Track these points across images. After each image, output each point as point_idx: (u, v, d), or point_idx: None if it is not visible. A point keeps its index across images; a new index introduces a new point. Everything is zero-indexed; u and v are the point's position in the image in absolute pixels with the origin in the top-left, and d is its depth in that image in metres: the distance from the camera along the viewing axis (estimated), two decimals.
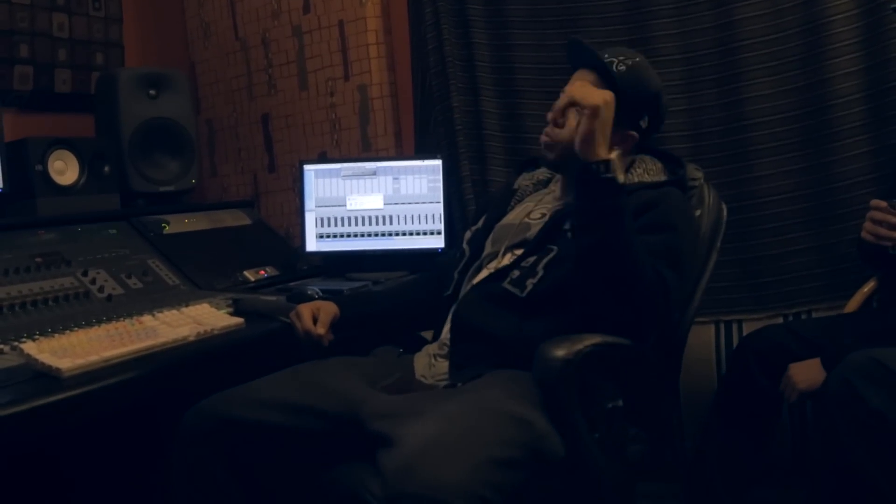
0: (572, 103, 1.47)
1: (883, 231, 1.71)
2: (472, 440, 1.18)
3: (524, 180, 1.84)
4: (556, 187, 1.77)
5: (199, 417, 1.46)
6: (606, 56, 1.65)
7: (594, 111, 1.42)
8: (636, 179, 1.67)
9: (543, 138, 1.65)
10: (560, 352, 1.33)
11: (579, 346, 1.35)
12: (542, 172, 1.85)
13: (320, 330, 1.66)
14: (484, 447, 1.18)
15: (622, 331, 1.44)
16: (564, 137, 1.57)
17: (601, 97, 1.43)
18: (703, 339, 2.31)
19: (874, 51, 2.11)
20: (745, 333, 2.20)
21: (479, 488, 1.13)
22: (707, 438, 1.99)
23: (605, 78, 1.63)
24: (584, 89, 1.47)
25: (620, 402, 1.43)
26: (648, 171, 1.69)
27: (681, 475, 2.12)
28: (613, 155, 1.42)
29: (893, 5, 1.93)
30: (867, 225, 1.75)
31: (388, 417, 1.31)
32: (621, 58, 1.65)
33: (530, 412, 1.30)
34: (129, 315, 1.80)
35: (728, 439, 1.93)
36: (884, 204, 1.72)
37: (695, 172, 1.77)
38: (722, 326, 2.31)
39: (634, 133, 1.66)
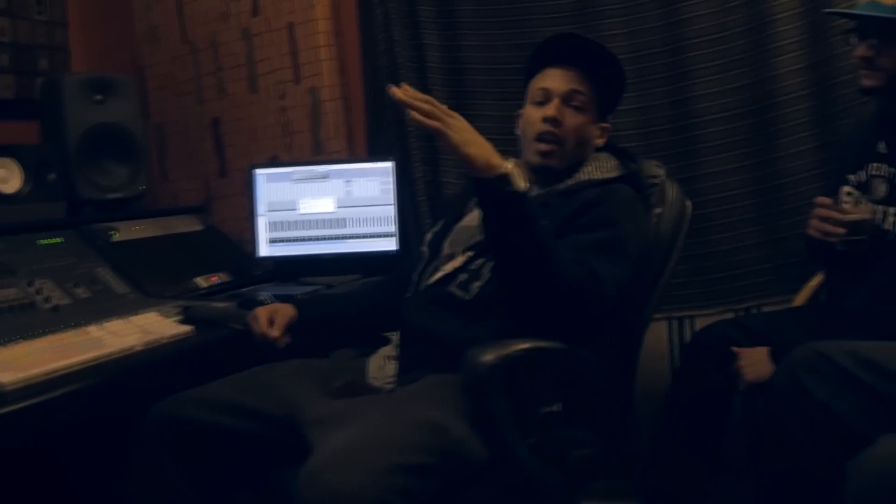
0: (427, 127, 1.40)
1: (828, 227, 1.73)
2: (380, 447, 1.18)
3: None
4: None
5: (156, 418, 1.48)
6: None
7: (466, 141, 1.36)
8: (585, 177, 1.67)
9: (547, 147, 1.65)
10: (487, 357, 1.31)
11: (507, 351, 1.33)
12: None
13: (276, 333, 1.65)
14: (391, 453, 1.17)
15: (559, 334, 1.43)
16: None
17: (455, 124, 1.38)
18: (656, 335, 2.33)
19: (817, 49, 2.14)
20: (697, 329, 2.22)
21: (384, 494, 1.13)
22: (661, 434, 2.00)
23: (596, 76, 1.67)
24: (450, 129, 1.38)
25: (557, 407, 1.41)
26: (600, 167, 1.70)
27: (635, 471, 2.13)
28: (510, 165, 1.39)
29: (825, 10, 1.97)
30: (813, 222, 1.78)
31: (319, 424, 1.32)
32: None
33: (447, 418, 1.28)
34: (76, 326, 1.77)
35: (681, 434, 1.93)
36: (828, 201, 1.75)
37: (655, 170, 1.77)
38: (675, 323, 2.34)
39: (609, 124, 1.74)
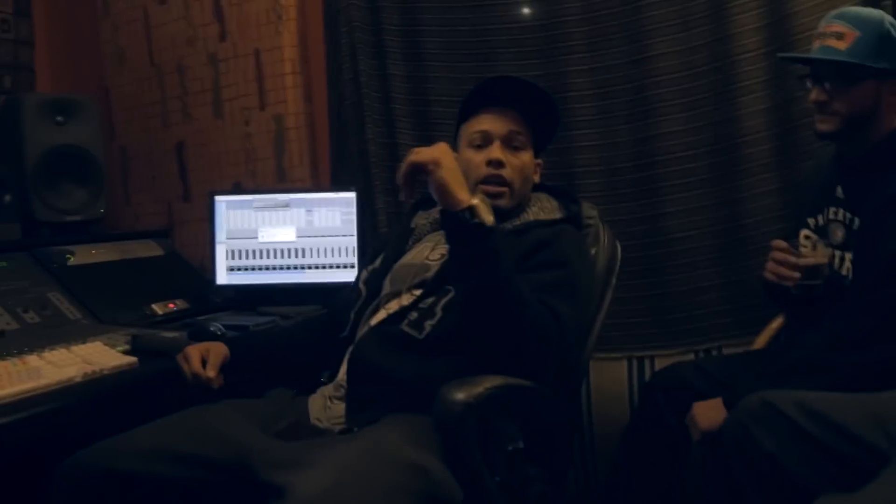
0: (415, 170, 1.44)
1: (784, 271, 1.73)
2: (365, 490, 1.15)
3: (420, 219, 1.81)
4: None
5: (76, 469, 1.36)
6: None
7: (436, 161, 1.41)
8: (531, 218, 1.67)
9: (497, 188, 1.65)
10: (460, 395, 1.30)
11: (479, 389, 1.33)
12: (437, 211, 1.82)
13: (210, 373, 1.59)
14: (373, 496, 1.14)
15: (518, 371, 1.41)
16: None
17: (437, 150, 1.43)
18: (615, 375, 2.31)
19: (779, 90, 2.15)
20: (657, 369, 2.21)
21: None
22: (616, 475, 1.97)
23: (530, 115, 1.69)
24: (418, 154, 1.44)
25: (521, 444, 1.40)
26: (543, 208, 1.70)
27: None
28: (476, 200, 1.41)
29: (779, 55, 1.97)
30: (769, 265, 1.77)
31: (280, 466, 1.26)
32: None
33: (426, 458, 1.26)
34: (20, 353, 1.72)
35: (636, 475, 1.91)
36: (784, 244, 1.74)
37: (590, 211, 1.79)
38: (634, 362, 2.31)
39: (541, 160, 1.76)
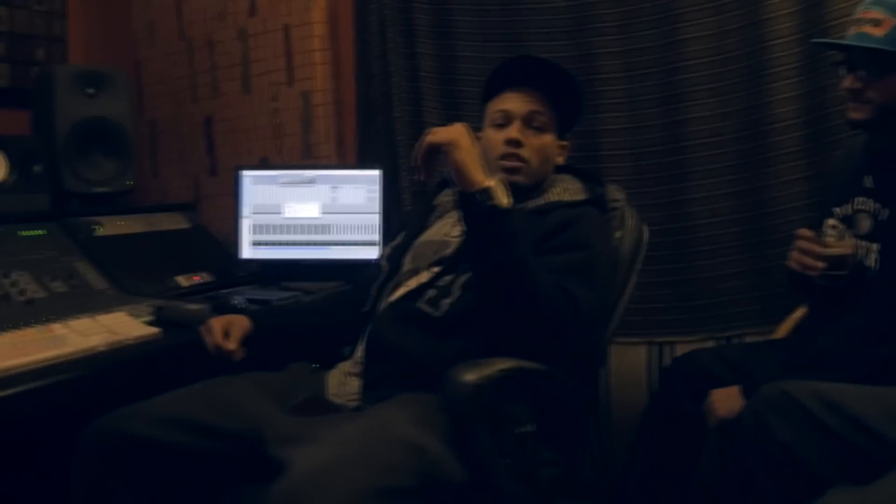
0: (433, 150, 1.44)
1: (808, 261, 1.70)
2: (359, 467, 1.15)
3: (445, 196, 1.82)
4: None
5: (98, 434, 1.40)
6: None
7: (453, 143, 1.41)
8: (554, 199, 1.67)
9: (513, 163, 1.66)
10: (470, 376, 1.30)
11: (490, 371, 1.33)
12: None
13: (231, 345, 1.62)
14: (368, 474, 1.14)
15: (532, 353, 1.42)
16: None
17: (454, 131, 1.43)
18: (634, 360, 2.31)
19: (811, 77, 2.11)
20: (677, 355, 2.19)
21: None
22: (633, 460, 1.97)
23: (556, 96, 1.68)
24: (436, 134, 1.44)
25: (532, 427, 1.41)
26: (567, 189, 1.70)
27: (608, 496, 2.10)
28: (493, 182, 1.41)
29: (813, 40, 1.94)
30: (793, 254, 1.75)
31: (287, 442, 1.29)
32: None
33: (426, 438, 1.26)
34: (48, 321, 1.75)
35: (652, 461, 1.91)
36: (809, 233, 1.72)
37: (616, 194, 1.78)
38: (655, 347, 2.31)
39: (568, 143, 1.76)
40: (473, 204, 1.41)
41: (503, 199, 1.42)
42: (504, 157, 1.66)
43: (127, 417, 1.41)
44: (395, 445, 1.21)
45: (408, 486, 1.18)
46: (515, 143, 1.66)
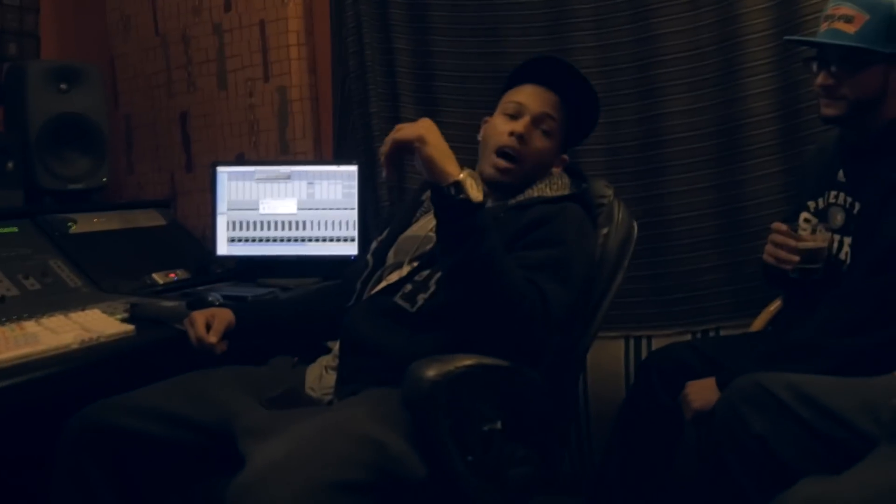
0: (401, 147, 1.43)
1: (783, 254, 1.72)
2: (314, 461, 1.15)
3: None
4: None
5: (79, 425, 1.42)
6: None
7: (421, 138, 1.40)
8: (536, 194, 1.66)
9: (506, 164, 1.65)
10: (429, 372, 1.28)
11: (450, 368, 1.30)
12: None
13: (213, 339, 1.62)
14: (322, 469, 1.14)
15: (503, 350, 1.41)
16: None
17: (422, 127, 1.42)
18: (613, 353, 2.32)
19: (786, 72, 2.13)
20: (654, 349, 2.21)
21: None
22: (610, 453, 1.98)
23: (568, 101, 1.68)
24: (402, 130, 1.44)
25: (498, 424, 1.39)
26: (551, 185, 1.69)
27: (583, 488, 2.11)
28: (463, 175, 1.40)
29: (786, 37, 1.95)
30: (768, 248, 1.76)
31: (252, 434, 1.29)
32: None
33: (386, 433, 1.25)
34: (20, 319, 1.73)
35: (629, 455, 1.92)
36: (784, 227, 1.74)
37: (604, 189, 1.77)
38: (632, 341, 2.32)
39: (566, 157, 1.74)
40: (445, 197, 1.39)
41: (475, 192, 1.40)
42: (501, 150, 1.65)
43: (107, 407, 1.43)
44: (352, 440, 1.20)
45: (363, 481, 1.17)
46: (519, 137, 1.64)
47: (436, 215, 1.45)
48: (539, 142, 1.66)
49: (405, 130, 1.42)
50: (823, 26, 1.68)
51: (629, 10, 2.24)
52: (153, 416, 1.42)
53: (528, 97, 1.67)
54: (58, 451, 1.43)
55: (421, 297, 1.53)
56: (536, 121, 1.66)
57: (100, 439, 1.40)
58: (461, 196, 1.38)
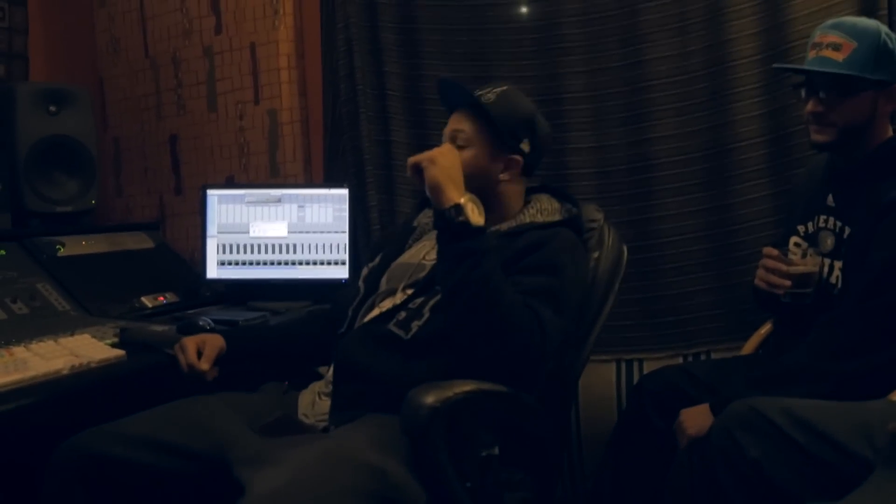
0: (415, 169, 1.52)
1: (774, 279, 1.73)
2: (318, 490, 1.15)
3: (425, 217, 1.82)
4: None
5: (68, 453, 1.40)
6: (476, 91, 1.69)
7: (431, 159, 1.48)
8: (528, 220, 1.67)
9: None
10: (428, 399, 1.29)
11: (449, 393, 1.31)
12: None
13: (204, 365, 1.61)
14: (328, 497, 1.14)
15: (499, 375, 1.42)
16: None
17: (437, 150, 1.51)
18: (604, 377, 2.31)
19: (773, 97, 2.15)
20: (645, 372, 2.21)
21: None
22: (602, 476, 1.98)
23: (479, 112, 1.67)
24: (421, 154, 1.52)
25: (496, 450, 1.39)
26: (542, 210, 1.69)
27: None
28: (465, 199, 1.45)
29: (775, 65, 1.97)
30: (760, 272, 1.78)
31: (250, 463, 1.27)
32: (488, 90, 1.70)
33: (387, 461, 1.26)
34: (8, 344, 1.72)
35: (622, 478, 1.91)
36: (776, 252, 1.75)
37: (594, 213, 1.78)
38: (623, 364, 2.32)
39: (518, 157, 1.69)
40: (445, 219, 1.45)
41: (475, 217, 1.45)
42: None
43: (96, 436, 1.41)
44: (353, 468, 1.21)
45: None
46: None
47: (437, 237, 1.49)
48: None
49: (421, 154, 1.51)
50: (812, 54, 1.70)
51: (619, 35, 2.26)
52: (144, 445, 1.40)
53: (449, 124, 1.72)
54: (46, 479, 1.40)
55: (415, 325, 1.53)
56: (452, 140, 1.68)
57: (89, 468, 1.38)
58: (460, 219, 1.43)
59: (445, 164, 1.48)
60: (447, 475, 1.30)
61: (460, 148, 1.67)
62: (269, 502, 1.12)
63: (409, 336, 1.52)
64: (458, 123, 1.69)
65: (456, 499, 1.31)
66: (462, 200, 1.45)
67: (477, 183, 1.67)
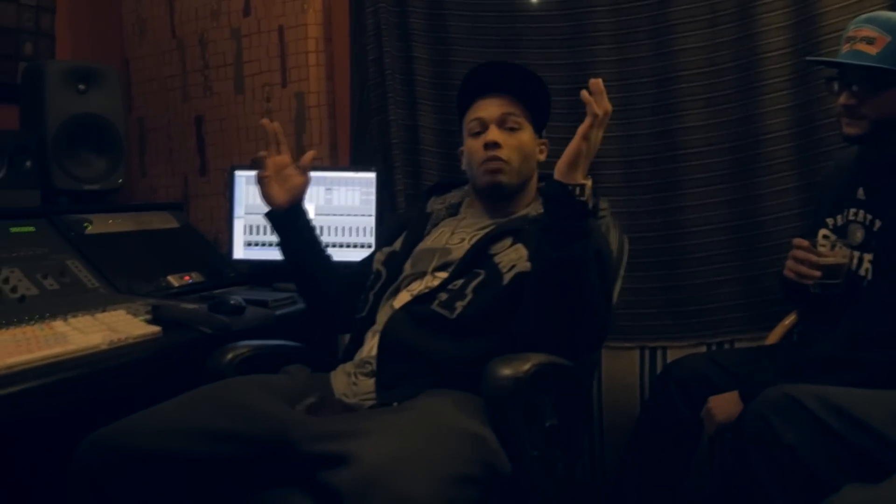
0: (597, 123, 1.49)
1: (804, 269, 1.74)
2: (433, 456, 1.18)
3: (435, 204, 1.87)
4: (467, 212, 1.81)
5: (97, 448, 1.32)
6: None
7: (601, 124, 1.47)
8: None
9: (495, 164, 1.70)
10: (508, 370, 1.37)
11: (526, 366, 1.39)
12: (453, 196, 1.88)
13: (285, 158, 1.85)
14: (444, 463, 1.17)
15: (565, 350, 1.49)
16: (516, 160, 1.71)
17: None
18: (627, 364, 2.33)
19: (802, 90, 2.16)
20: (668, 360, 2.23)
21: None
22: (627, 464, 2.00)
23: (526, 94, 1.72)
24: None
25: (556, 421, 1.47)
26: None
27: (600, 499, 2.12)
28: (589, 182, 1.47)
29: (808, 58, 1.99)
30: (789, 263, 1.79)
31: (329, 438, 1.26)
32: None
33: (483, 428, 1.31)
34: (41, 318, 1.73)
35: (647, 465, 1.94)
36: (806, 243, 1.76)
37: (601, 203, 1.81)
38: (647, 352, 2.34)
39: (547, 141, 1.82)
40: (568, 195, 1.46)
41: (591, 201, 1.49)
42: (485, 161, 1.70)
43: (128, 429, 1.34)
44: (456, 434, 1.26)
45: (474, 474, 1.21)
46: (493, 144, 1.70)
47: (551, 208, 1.50)
48: (512, 138, 1.71)
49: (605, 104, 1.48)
50: (845, 47, 1.72)
51: (649, 25, 2.27)
52: (184, 434, 1.33)
53: (484, 110, 1.74)
54: (71, 477, 1.34)
55: (459, 305, 1.56)
56: (500, 123, 1.72)
57: (121, 464, 1.31)
58: (582, 199, 1.46)
59: (596, 142, 1.49)
60: (524, 443, 1.37)
61: (512, 130, 1.71)
62: (386, 469, 1.13)
63: (454, 316, 1.55)
64: (508, 107, 1.72)
65: (529, 466, 1.37)
66: (588, 182, 1.47)
67: (526, 167, 1.73)
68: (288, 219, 1.83)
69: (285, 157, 1.81)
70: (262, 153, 1.81)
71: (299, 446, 1.30)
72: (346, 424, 1.32)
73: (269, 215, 1.84)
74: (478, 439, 1.27)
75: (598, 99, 1.46)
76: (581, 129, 1.47)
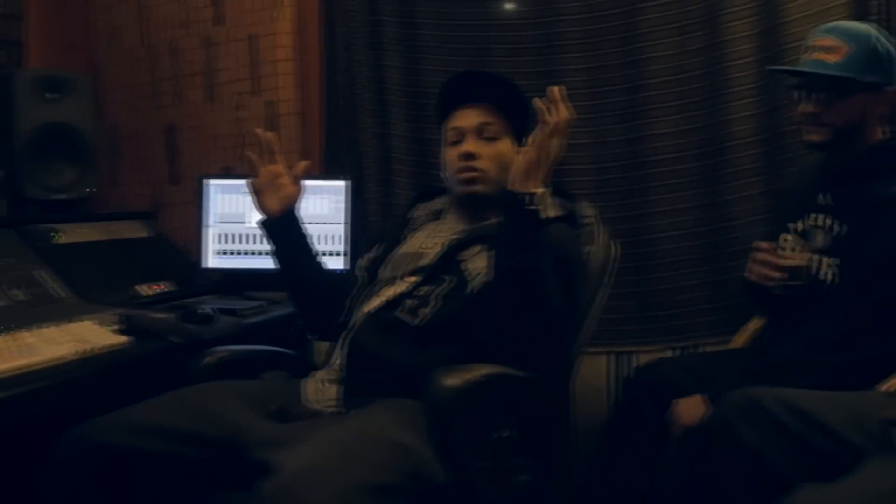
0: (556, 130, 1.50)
1: (766, 271, 1.77)
2: (347, 465, 1.17)
3: (420, 210, 1.87)
4: (450, 217, 1.80)
5: (72, 444, 1.37)
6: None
7: (565, 135, 1.49)
8: None
9: (470, 174, 1.69)
10: (451, 381, 1.34)
11: (470, 377, 1.36)
12: (437, 203, 1.88)
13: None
14: (358, 472, 1.16)
15: (522, 361, 1.47)
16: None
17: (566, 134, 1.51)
18: (596, 369, 2.35)
19: (768, 97, 2.19)
20: (636, 365, 2.25)
21: None
22: (596, 468, 2.01)
23: (506, 104, 1.71)
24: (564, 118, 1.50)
25: (509, 432, 1.44)
26: None
27: (571, 501, 2.13)
28: (542, 190, 1.47)
29: (770, 67, 2.02)
30: (751, 265, 1.81)
31: (270, 446, 1.29)
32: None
33: (411, 439, 1.29)
34: (9, 329, 1.72)
35: (616, 469, 1.95)
36: (766, 245, 1.79)
37: (587, 210, 1.81)
38: (614, 357, 2.36)
39: None
40: (519, 204, 1.47)
41: (550, 210, 1.49)
42: (460, 171, 1.71)
43: (102, 426, 1.39)
44: (381, 446, 1.24)
45: (396, 484, 1.20)
46: (469, 155, 1.69)
47: (506, 217, 1.51)
48: (490, 148, 1.71)
49: (563, 117, 1.49)
50: (805, 56, 1.74)
51: (618, 33, 2.30)
52: (151, 433, 1.39)
53: (462, 119, 1.74)
54: (49, 470, 1.38)
55: (423, 312, 1.57)
56: (478, 133, 1.71)
57: (94, 458, 1.36)
58: (532, 207, 1.46)
59: (556, 151, 1.49)
60: (467, 455, 1.34)
61: (490, 140, 1.71)
62: (304, 476, 1.13)
63: (418, 323, 1.56)
64: (486, 116, 1.72)
65: (475, 478, 1.35)
66: (541, 191, 1.47)
67: (504, 176, 1.69)
68: (281, 227, 1.81)
69: (279, 167, 1.79)
70: (249, 153, 1.79)
71: (249, 452, 1.32)
72: (289, 433, 1.34)
73: (263, 223, 1.82)
74: (401, 449, 1.26)
75: (554, 107, 1.47)
76: (533, 136, 1.48)
